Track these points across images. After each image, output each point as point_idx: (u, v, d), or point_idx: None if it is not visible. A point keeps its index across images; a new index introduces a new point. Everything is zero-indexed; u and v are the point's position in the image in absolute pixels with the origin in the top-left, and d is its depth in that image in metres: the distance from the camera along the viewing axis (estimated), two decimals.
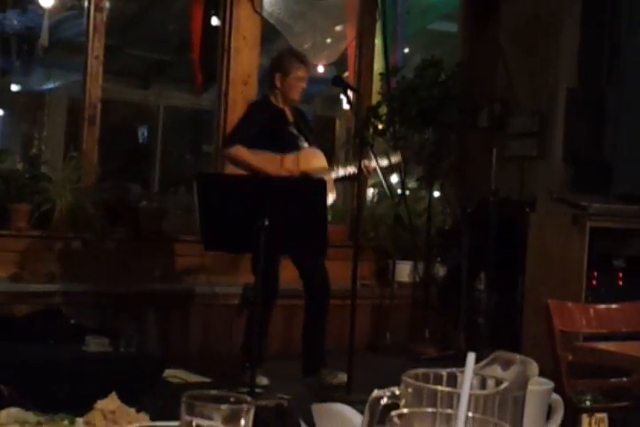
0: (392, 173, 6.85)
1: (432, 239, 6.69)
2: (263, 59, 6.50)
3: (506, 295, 6.08)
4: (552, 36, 6.39)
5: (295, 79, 5.16)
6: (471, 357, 0.82)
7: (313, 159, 5.19)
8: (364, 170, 4.98)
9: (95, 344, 4.47)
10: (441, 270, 6.83)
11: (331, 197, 4.80)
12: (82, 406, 1.27)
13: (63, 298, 5.45)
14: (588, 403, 1.55)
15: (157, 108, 9.51)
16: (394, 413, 0.83)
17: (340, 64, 7.42)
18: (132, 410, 1.25)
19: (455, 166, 6.93)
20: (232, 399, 0.91)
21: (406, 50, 8.12)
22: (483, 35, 6.99)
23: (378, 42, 7.16)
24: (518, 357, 0.90)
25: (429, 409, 0.82)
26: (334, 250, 5.06)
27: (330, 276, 5.08)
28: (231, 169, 5.02)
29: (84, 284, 5.58)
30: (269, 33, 7.01)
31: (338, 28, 7.44)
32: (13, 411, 1.21)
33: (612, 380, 2.90)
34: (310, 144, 5.25)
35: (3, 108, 9.29)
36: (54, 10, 6.97)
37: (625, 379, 2.91)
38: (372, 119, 6.61)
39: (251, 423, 0.91)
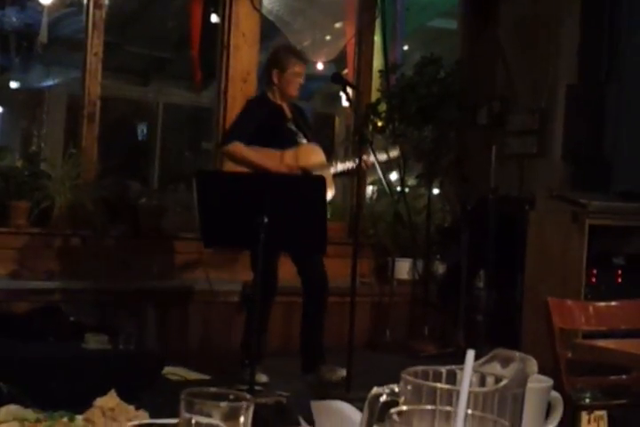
0: (391, 168, 6.85)
1: (431, 237, 6.69)
2: (262, 56, 6.49)
3: (505, 293, 6.08)
4: (551, 33, 6.38)
5: (292, 75, 5.16)
6: (470, 354, 0.82)
7: (312, 155, 5.18)
8: (363, 165, 4.97)
9: (94, 342, 4.47)
10: (440, 268, 6.83)
11: (330, 193, 4.79)
12: (81, 404, 1.27)
13: (62, 295, 5.45)
14: (587, 400, 1.55)
15: (157, 105, 9.51)
16: (393, 410, 0.83)
17: (339, 61, 7.42)
18: (132, 407, 1.25)
19: (455, 164, 6.93)
20: (231, 397, 0.91)
21: (405, 47, 8.12)
22: (482, 32, 6.99)
23: (377, 39, 7.15)
24: (518, 354, 0.90)
25: (429, 406, 0.82)
26: (334, 247, 5.06)
27: (329, 273, 5.08)
28: (230, 166, 5.02)
29: (84, 281, 5.58)
30: (269, 30, 7.01)
31: (337, 25, 7.44)
32: (12, 408, 1.21)
33: (612, 377, 2.90)
34: (309, 140, 5.24)
35: (2, 106, 9.29)
36: (53, 7, 6.97)
37: (624, 376, 2.91)
38: (372, 116, 6.61)
39: (250, 421, 0.91)
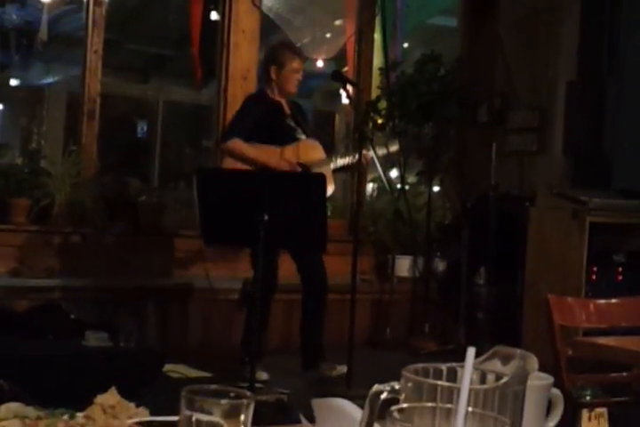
0: (391, 164, 6.85)
1: (432, 234, 6.69)
2: (262, 53, 6.50)
3: (506, 290, 6.08)
4: (551, 30, 6.38)
5: (290, 71, 5.16)
6: (471, 351, 0.82)
7: (312, 151, 5.19)
8: (363, 159, 4.97)
9: (95, 339, 4.47)
10: (441, 265, 6.82)
11: (330, 189, 4.80)
12: (82, 401, 1.26)
13: (62, 293, 5.45)
14: (587, 398, 1.56)
15: (157, 102, 9.50)
16: (394, 407, 0.83)
17: (339, 59, 7.42)
18: (132, 405, 1.25)
19: (455, 161, 6.93)
20: (232, 394, 0.91)
21: (406, 44, 8.12)
22: (482, 29, 6.98)
23: (377, 36, 7.15)
24: (518, 351, 0.90)
25: (429, 404, 0.82)
26: (334, 245, 5.06)
27: (329, 270, 5.08)
28: (229, 163, 5.01)
29: (84, 279, 5.58)
30: (269, 27, 7.00)
31: (337, 22, 7.43)
32: (13, 406, 1.21)
33: (612, 375, 2.90)
34: (307, 136, 5.24)
35: (2, 103, 9.28)
36: (53, 4, 6.97)
37: (625, 374, 2.91)
38: (372, 114, 6.61)
39: (251, 418, 0.91)
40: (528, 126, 6.47)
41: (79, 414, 1.20)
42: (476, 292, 6.36)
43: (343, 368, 4.67)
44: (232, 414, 0.90)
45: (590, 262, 5.46)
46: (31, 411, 1.20)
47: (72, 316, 4.80)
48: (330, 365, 5.00)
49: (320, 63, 7.51)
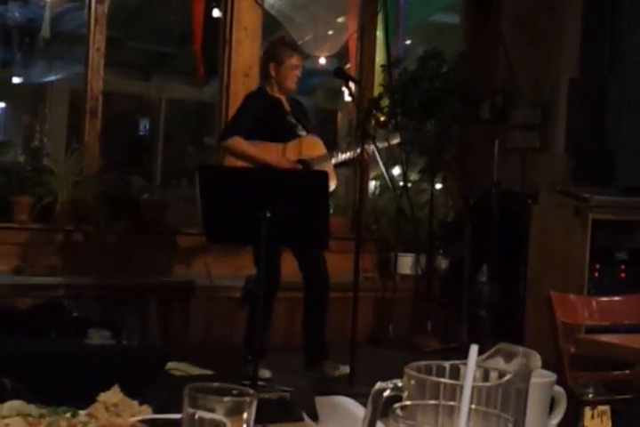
0: (394, 162, 6.85)
1: (434, 231, 6.68)
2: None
3: (508, 288, 6.07)
4: (554, 27, 6.37)
5: (289, 68, 5.16)
6: (474, 349, 0.82)
7: (314, 147, 5.19)
8: (364, 154, 4.97)
9: (97, 337, 4.47)
10: (443, 263, 6.82)
11: (332, 184, 4.79)
12: (84, 399, 1.27)
13: (65, 291, 5.45)
14: (590, 396, 1.55)
15: (159, 100, 9.50)
16: (397, 405, 0.83)
17: (341, 56, 7.41)
18: (135, 403, 1.25)
19: (457, 158, 6.93)
20: (235, 392, 0.91)
21: (408, 41, 8.11)
22: (484, 26, 6.98)
23: (379, 33, 7.15)
24: (521, 349, 0.90)
25: (432, 401, 0.82)
26: (336, 242, 5.06)
27: (331, 268, 5.08)
28: (231, 161, 5.02)
29: (86, 276, 5.58)
30: (271, 25, 7.00)
31: (339, 19, 7.43)
32: (16, 404, 1.21)
33: (615, 372, 2.90)
34: (308, 132, 5.24)
35: (4, 101, 9.28)
36: (56, 2, 6.96)
37: (627, 371, 2.91)
38: (374, 111, 6.60)
39: (253, 416, 0.91)
40: (530, 123, 6.46)
41: (82, 412, 1.20)
42: (478, 289, 6.35)
43: (346, 368, 4.67)
44: (235, 411, 0.90)
45: (593, 260, 5.46)
46: (34, 409, 1.20)
47: (75, 314, 4.80)
48: (333, 364, 4.99)
49: (322, 60, 7.52)
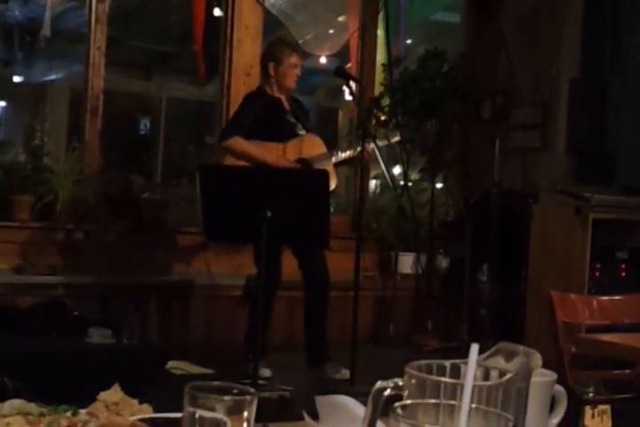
0: (394, 162, 6.85)
1: (435, 231, 6.68)
2: None
3: (509, 287, 6.08)
4: (555, 27, 6.37)
5: (289, 67, 5.16)
6: (475, 348, 0.82)
7: (315, 146, 5.19)
8: (365, 152, 4.96)
9: (98, 336, 4.47)
10: (444, 262, 6.82)
11: (332, 183, 4.79)
12: (85, 398, 1.27)
13: (65, 290, 5.45)
14: (590, 395, 1.55)
15: (160, 99, 9.51)
16: (397, 404, 0.83)
17: (342, 55, 7.41)
18: (135, 401, 1.25)
19: (458, 158, 6.93)
20: (235, 391, 0.91)
21: (409, 41, 8.11)
22: (486, 25, 6.98)
23: (380, 33, 7.15)
24: (522, 348, 0.90)
25: (433, 400, 0.82)
26: (337, 241, 5.06)
27: (332, 267, 5.07)
28: (231, 161, 5.02)
29: (87, 275, 5.58)
30: (271, 24, 7.00)
31: (340, 18, 7.43)
32: (16, 402, 1.21)
33: (615, 372, 2.90)
34: (308, 132, 5.24)
35: (5, 100, 9.29)
36: (56, 1, 6.95)
37: (628, 371, 2.91)
38: (375, 110, 6.60)
39: (254, 415, 0.91)
40: (531, 123, 6.46)
41: (82, 411, 1.20)
42: (478, 289, 6.35)
43: (347, 373, 4.67)
44: (235, 410, 0.90)
45: (593, 259, 5.46)
46: (34, 408, 1.20)
47: (75, 313, 4.81)
48: (335, 367, 4.99)
49: (323, 59, 7.51)
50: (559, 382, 1.12)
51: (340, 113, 9.22)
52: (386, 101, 6.66)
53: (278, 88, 5.20)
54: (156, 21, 9.06)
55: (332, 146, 6.15)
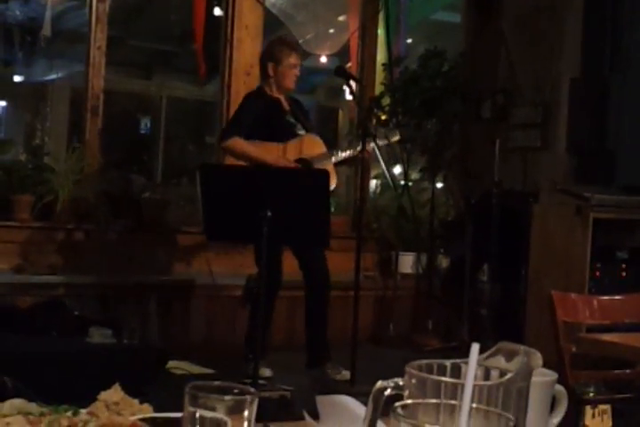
0: (395, 161, 6.85)
1: (435, 230, 6.68)
2: None
3: (509, 287, 6.07)
4: (555, 26, 6.37)
5: (288, 67, 5.16)
6: (475, 347, 0.82)
7: (315, 146, 5.19)
8: (365, 152, 4.96)
9: (98, 336, 4.47)
10: (444, 262, 6.82)
11: (332, 183, 4.79)
12: (85, 398, 1.27)
13: (66, 290, 5.45)
14: (591, 395, 1.55)
15: (160, 98, 9.51)
16: (398, 404, 0.83)
17: (342, 54, 7.41)
18: (136, 401, 1.25)
19: (458, 157, 6.93)
20: (236, 391, 0.91)
21: (409, 40, 8.11)
22: (486, 25, 6.97)
23: (381, 32, 7.15)
24: (522, 348, 0.90)
25: (433, 400, 0.82)
26: (337, 241, 5.06)
27: (332, 267, 5.07)
28: (230, 161, 5.02)
29: (87, 275, 5.58)
30: (272, 23, 7.00)
31: (341, 18, 7.43)
32: (17, 402, 1.21)
33: (616, 371, 2.90)
34: (308, 132, 5.24)
35: (5, 99, 9.29)
36: (57, 0, 6.96)
37: (628, 371, 2.90)
38: (375, 110, 6.60)
39: (254, 415, 0.91)
40: (531, 123, 6.46)
41: (83, 411, 1.20)
42: (479, 288, 6.35)
43: (347, 374, 4.67)
44: (236, 410, 0.90)
45: (594, 259, 5.46)
46: (35, 407, 1.20)
47: (75, 312, 4.81)
48: (335, 367, 4.98)
49: (323, 59, 7.51)
50: (559, 381, 1.12)
51: (341, 112, 9.22)
52: (386, 101, 6.66)
53: (277, 88, 5.20)
54: (156, 21, 9.07)
55: (333, 145, 6.15)
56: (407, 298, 6.66)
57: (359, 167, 5.89)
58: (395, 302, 6.57)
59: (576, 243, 5.46)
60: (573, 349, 2.82)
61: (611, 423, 1.50)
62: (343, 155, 5.26)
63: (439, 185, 7.03)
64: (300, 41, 6.82)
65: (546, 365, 1.00)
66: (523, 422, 0.86)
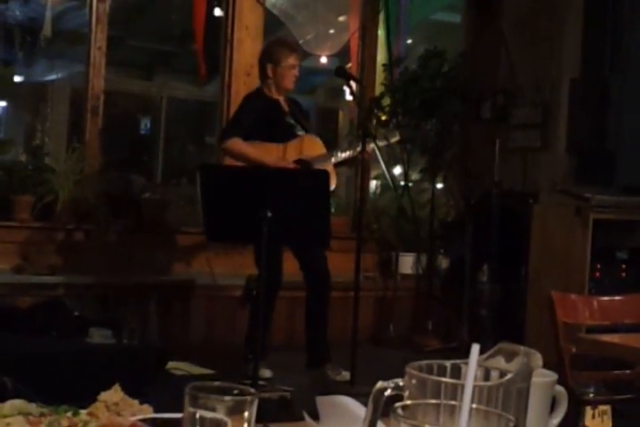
0: (395, 162, 6.85)
1: (435, 231, 6.68)
2: None
3: (509, 287, 6.08)
4: (555, 26, 6.37)
5: (287, 68, 5.16)
6: (475, 348, 0.82)
7: (314, 146, 5.19)
8: (365, 153, 4.96)
9: (98, 336, 4.47)
10: (444, 262, 6.82)
11: (332, 184, 4.79)
12: (85, 398, 1.27)
13: (66, 290, 5.45)
14: (591, 395, 1.55)
15: (160, 99, 9.50)
16: (398, 404, 0.83)
17: (342, 55, 7.41)
18: (136, 402, 1.25)
19: (458, 158, 6.93)
20: (236, 391, 0.91)
21: (409, 40, 8.11)
22: (486, 25, 6.97)
23: (381, 33, 7.15)
24: (522, 348, 0.90)
25: (433, 401, 0.82)
26: (337, 242, 5.06)
27: (332, 268, 5.07)
28: (230, 162, 5.02)
29: (87, 275, 5.58)
30: (272, 24, 7.00)
31: (341, 18, 7.42)
32: (17, 403, 1.21)
33: (615, 372, 2.90)
34: (307, 132, 5.24)
35: (6, 100, 9.28)
36: (57, 0, 6.96)
37: (628, 371, 2.91)
38: (375, 110, 6.60)
39: (254, 415, 0.91)
40: (531, 123, 6.46)
41: (83, 411, 1.20)
42: (479, 289, 6.35)
43: (347, 375, 4.67)
44: (236, 411, 0.90)
45: (593, 259, 5.46)
46: (35, 408, 1.20)
47: (75, 313, 4.81)
48: (335, 368, 4.98)
49: (323, 59, 7.51)
50: (560, 382, 1.12)
51: (341, 113, 9.22)
52: (386, 101, 6.66)
53: (277, 89, 5.20)
54: (156, 21, 9.07)
55: (333, 146, 6.15)
56: (407, 298, 6.66)
57: (359, 168, 5.88)
58: (395, 303, 6.57)
59: (576, 243, 5.46)
60: (573, 349, 2.82)
61: (611, 424, 1.50)
62: (343, 155, 5.26)
63: (439, 185, 7.03)
64: (301, 41, 6.82)
65: (546, 365, 1.00)
66: (523, 422, 0.86)
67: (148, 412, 1.22)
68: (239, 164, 4.92)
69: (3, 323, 4.58)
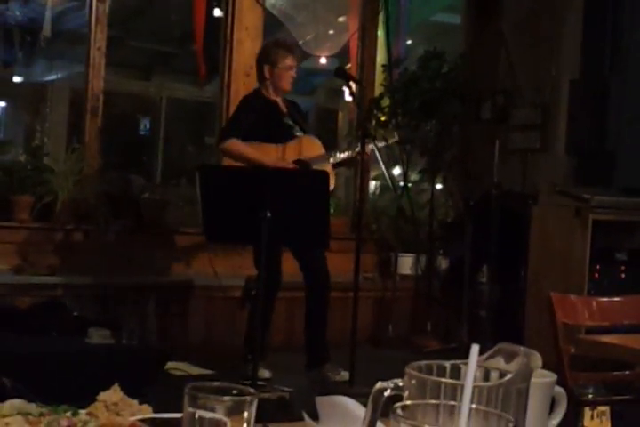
0: (394, 162, 6.85)
1: (434, 232, 6.68)
2: None
3: (508, 288, 6.08)
4: (555, 27, 6.37)
5: (284, 69, 5.16)
6: (475, 348, 0.82)
7: (313, 147, 5.19)
8: (364, 154, 4.96)
9: (98, 336, 4.47)
10: (443, 263, 6.82)
11: (330, 185, 4.79)
12: (84, 398, 1.27)
13: (65, 290, 5.45)
14: (590, 396, 1.55)
15: (160, 99, 9.50)
16: (397, 405, 0.83)
17: (342, 56, 7.41)
18: (135, 402, 1.25)
19: (458, 159, 6.93)
20: (235, 391, 0.91)
21: (409, 41, 8.11)
22: (486, 26, 6.98)
23: (380, 33, 7.15)
24: (522, 349, 0.90)
25: (433, 401, 0.82)
26: (337, 242, 5.06)
27: (332, 268, 5.07)
28: (228, 163, 5.02)
29: (86, 276, 5.58)
30: (272, 24, 7.00)
31: (340, 19, 7.42)
32: (16, 402, 1.21)
33: (615, 373, 2.90)
34: (305, 133, 5.24)
35: (5, 100, 9.28)
36: (57, 1, 6.95)
37: (627, 372, 2.91)
38: (375, 111, 6.60)
39: (254, 415, 0.91)
40: (531, 124, 6.46)
41: (82, 411, 1.20)
42: (478, 290, 6.35)
43: (346, 375, 4.67)
44: (235, 411, 0.90)
45: (593, 260, 5.46)
46: (34, 408, 1.20)
47: (75, 313, 4.81)
48: (335, 368, 4.98)
49: (323, 60, 7.51)
50: (559, 383, 1.12)
51: (340, 114, 9.21)
52: (386, 102, 6.67)
53: (274, 90, 5.20)
54: (156, 22, 9.07)
55: (332, 147, 6.15)
56: (406, 299, 6.66)
57: (359, 168, 5.89)
58: (394, 304, 6.57)
59: (575, 244, 5.46)
60: (573, 350, 2.82)
61: (609, 425, 1.50)
62: (342, 156, 5.26)
63: (439, 186, 7.03)
64: (300, 42, 6.82)
65: (545, 366, 1.00)
66: (522, 423, 0.86)
67: (147, 412, 1.22)
68: (238, 164, 4.92)
69: (2, 323, 4.58)
